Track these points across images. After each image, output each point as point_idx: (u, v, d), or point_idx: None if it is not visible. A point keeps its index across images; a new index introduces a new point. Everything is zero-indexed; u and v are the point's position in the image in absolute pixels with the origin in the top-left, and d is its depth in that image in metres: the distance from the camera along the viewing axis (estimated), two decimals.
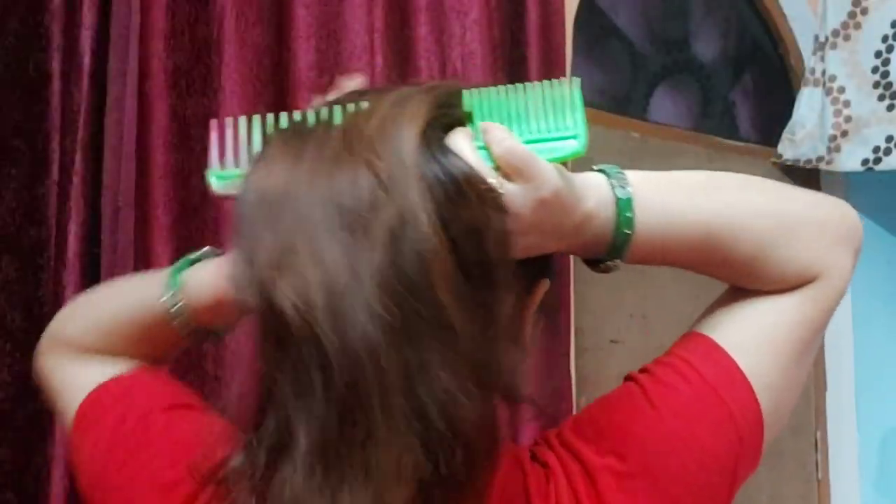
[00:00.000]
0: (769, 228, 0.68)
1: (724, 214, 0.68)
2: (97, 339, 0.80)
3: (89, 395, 0.76)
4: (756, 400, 0.68)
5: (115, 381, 0.77)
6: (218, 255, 0.79)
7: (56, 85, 1.29)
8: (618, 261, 0.67)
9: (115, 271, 1.28)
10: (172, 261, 1.32)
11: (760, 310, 0.70)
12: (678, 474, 0.65)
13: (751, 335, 0.70)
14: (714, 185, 0.70)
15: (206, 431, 0.68)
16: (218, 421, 0.71)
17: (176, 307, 0.76)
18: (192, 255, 0.80)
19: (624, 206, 0.65)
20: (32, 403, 1.23)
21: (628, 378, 0.70)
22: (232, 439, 0.63)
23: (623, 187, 0.65)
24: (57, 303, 1.21)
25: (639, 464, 0.65)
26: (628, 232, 0.65)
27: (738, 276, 0.71)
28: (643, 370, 0.69)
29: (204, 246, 0.81)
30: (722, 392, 0.67)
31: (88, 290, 0.89)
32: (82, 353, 0.80)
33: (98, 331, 0.80)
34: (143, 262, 1.29)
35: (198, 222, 1.33)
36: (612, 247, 0.66)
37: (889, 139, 2.28)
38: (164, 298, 0.76)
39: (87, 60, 1.29)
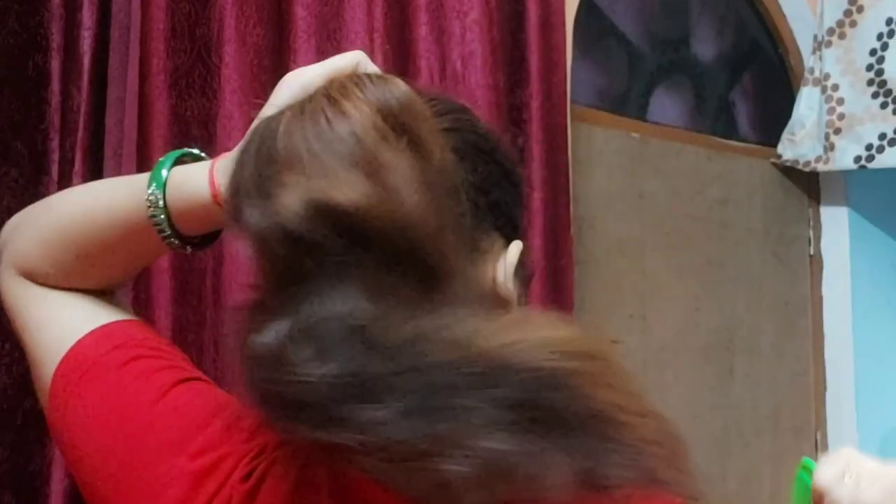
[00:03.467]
0: None
1: None
2: (56, 252, 0.72)
3: (68, 354, 0.71)
4: None
5: (93, 336, 0.71)
6: (202, 158, 0.73)
7: (56, 85, 1.28)
8: None
9: None
10: (172, 264, 1.33)
11: None
12: None
13: None
14: None
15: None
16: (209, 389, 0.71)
17: (158, 207, 0.69)
18: (178, 152, 0.72)
19: None
20: (32, 403, 1.23)
21: None
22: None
23: None
24: None
25: None
26: None
27: None
28: None
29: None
30: None
31: (35, 205, 0.80)
32: (42, 282, 0.73)
33: (59, 242, 0.72)
34: None
35: None
36: None
37: (882, 137, 2.27)
38: (150, 191, 0.69)
39: (87, 61, 1.28)
